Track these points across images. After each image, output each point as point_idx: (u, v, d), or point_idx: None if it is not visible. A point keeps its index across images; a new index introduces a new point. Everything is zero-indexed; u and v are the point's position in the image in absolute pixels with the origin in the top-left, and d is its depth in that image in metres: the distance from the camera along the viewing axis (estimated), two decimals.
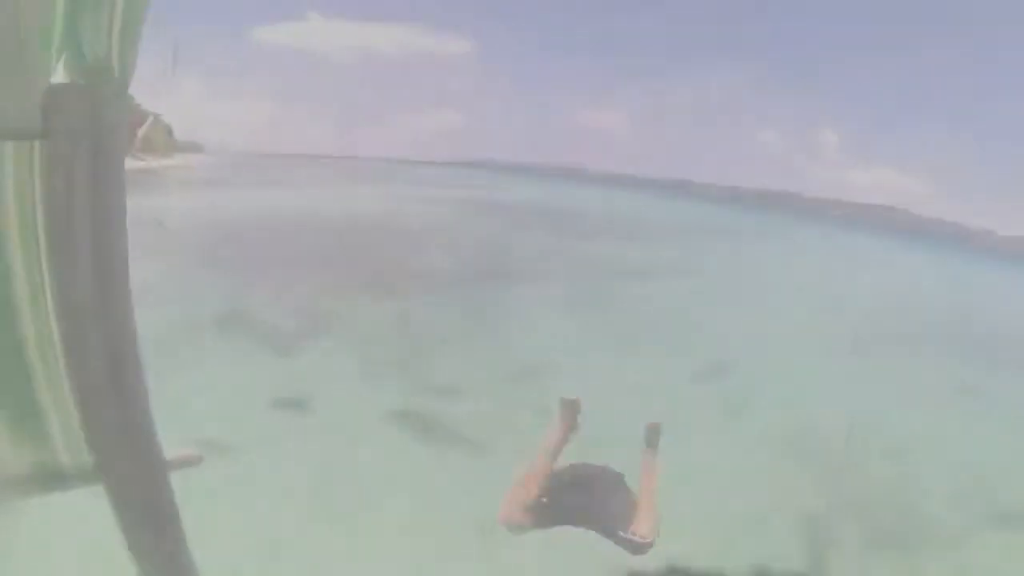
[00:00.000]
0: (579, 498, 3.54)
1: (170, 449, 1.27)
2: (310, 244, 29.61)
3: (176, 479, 1.27)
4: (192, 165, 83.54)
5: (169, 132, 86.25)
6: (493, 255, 31.80)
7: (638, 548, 3.24)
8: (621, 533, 3.28)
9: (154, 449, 1.20)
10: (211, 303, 16.93)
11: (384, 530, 7.93)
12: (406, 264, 26.16)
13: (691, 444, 11.07)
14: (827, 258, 58.90)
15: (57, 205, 0.93)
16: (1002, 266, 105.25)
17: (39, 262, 0.97)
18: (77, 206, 0.94)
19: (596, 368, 14.75)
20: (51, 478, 1.16)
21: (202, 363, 13.02)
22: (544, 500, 3.46)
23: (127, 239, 1.04)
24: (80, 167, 0.92)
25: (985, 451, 12.57)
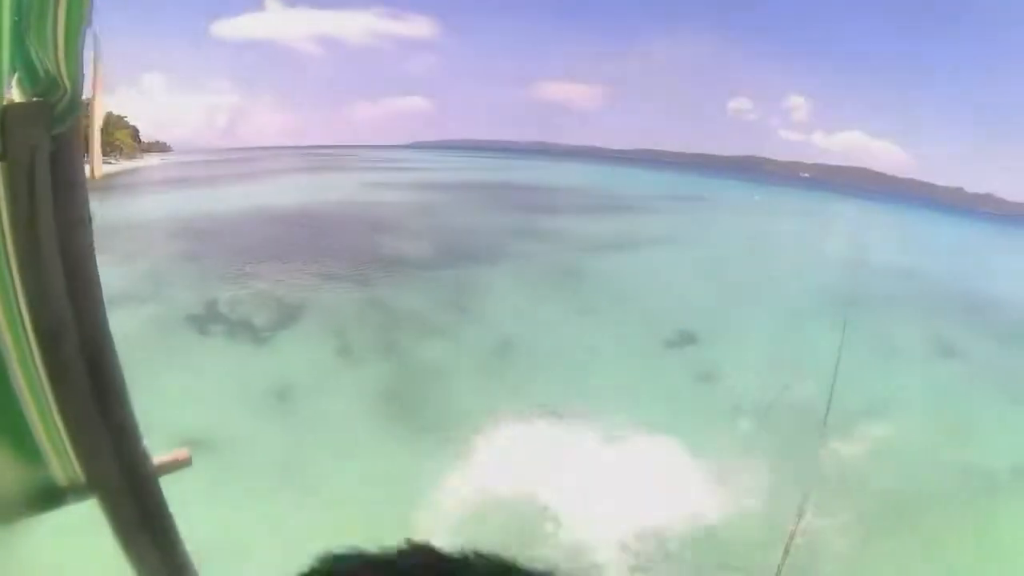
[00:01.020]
0: None
1: (160, 452, 1.28)
2: (280, 235, 28.97)
3: (167, 479, 1.28)
4: (159, 165, 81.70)
5: (135, 134, 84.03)
6: (463, 236, 31.46)
7: None
8: None
9: (142, 456, 1.21)
10: (185, 301, 16.66)
11: (364, 511, 7.90)
12: (377, 249, 25.81)
13: (664, 412, 11.13)
14: (799, 221, 59.37)
15: (23, 221, 0.93)
16: (971, 223, 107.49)
17: (12, 280, 0.97)
18: (42, 220, 0.94)
19: (568, 344, 14.74)
20: (46, 497, 1.16)
21: (182, 360, 12.85)
22: None
23: (94, 246, 1.04)
24: (41, 180, 0.92)
25: (965, 412, 12.73)
